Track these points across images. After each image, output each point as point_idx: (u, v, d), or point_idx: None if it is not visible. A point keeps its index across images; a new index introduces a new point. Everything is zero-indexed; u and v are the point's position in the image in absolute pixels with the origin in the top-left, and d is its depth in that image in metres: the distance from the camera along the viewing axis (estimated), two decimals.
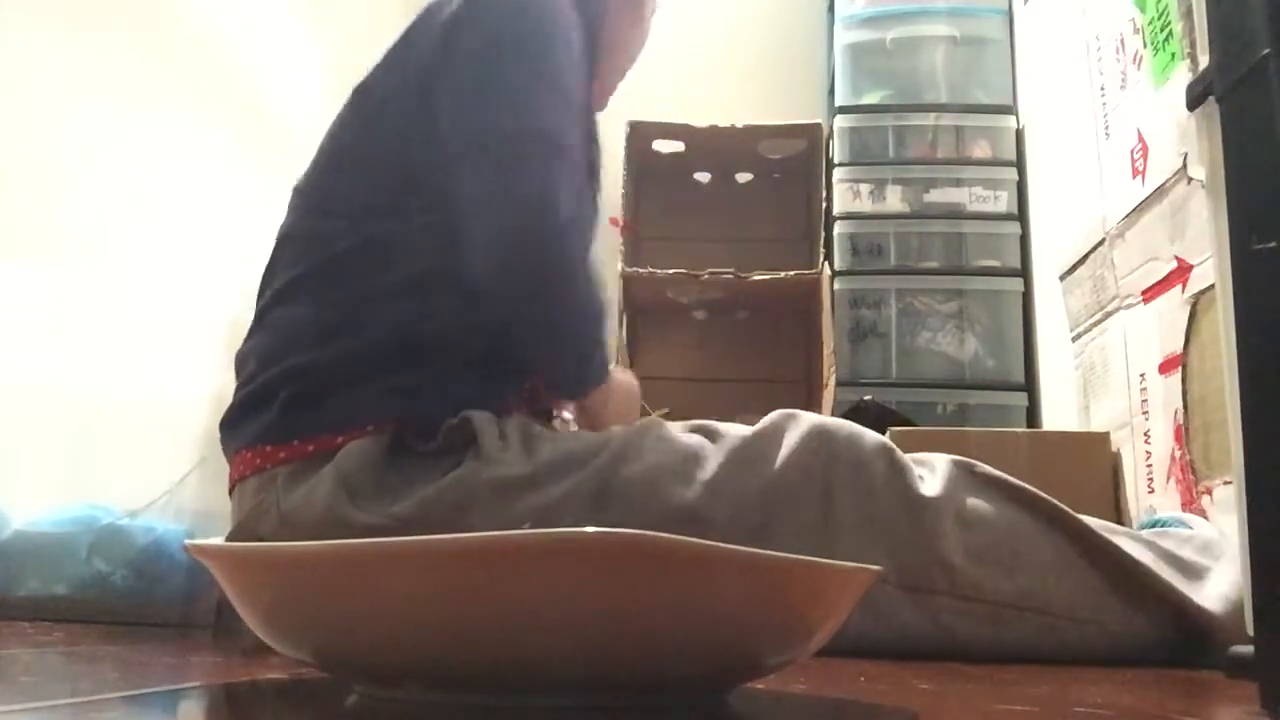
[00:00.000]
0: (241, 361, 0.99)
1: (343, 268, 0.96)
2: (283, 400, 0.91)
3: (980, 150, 2.17)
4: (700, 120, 2.33)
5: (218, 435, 0.99)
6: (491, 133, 0.93)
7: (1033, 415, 2.01)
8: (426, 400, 0.91)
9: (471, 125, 0.94)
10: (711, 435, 0.91)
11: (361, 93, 1.03)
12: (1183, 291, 1.31)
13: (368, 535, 0.62)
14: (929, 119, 2.20)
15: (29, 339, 1.41)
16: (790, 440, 0.88)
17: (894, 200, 2.16)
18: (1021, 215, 2.11)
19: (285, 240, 1.02)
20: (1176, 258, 1.33)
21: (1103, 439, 1.54)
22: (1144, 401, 1.44)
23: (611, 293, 2.24)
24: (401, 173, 0.97)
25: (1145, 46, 1.45)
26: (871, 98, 2.25)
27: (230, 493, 0.96)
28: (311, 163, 1.04)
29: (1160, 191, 1.38)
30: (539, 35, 0.97)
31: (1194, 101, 0.55)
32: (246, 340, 1.00)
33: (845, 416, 1.71)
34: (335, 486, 0.86)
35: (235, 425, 0.95)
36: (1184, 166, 1.30)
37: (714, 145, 2.40)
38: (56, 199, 1.49)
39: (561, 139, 0.94)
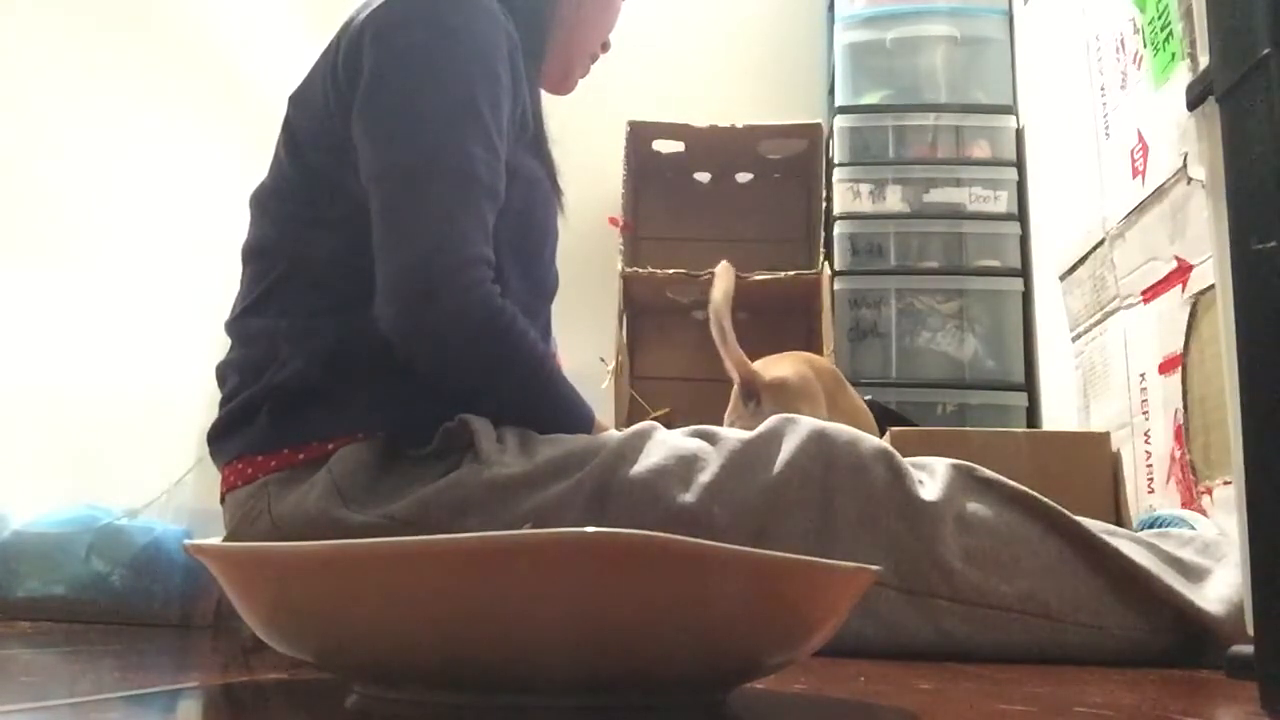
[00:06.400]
0: (222, 375, 0.97)
1: (316, 277, 0.93)
2: (269, 412, 0.90)
3: (980, 150, 2.17)
4: (700, 120, 2.33)
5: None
6: (390, 165, 0.88)
7: (1033, 415, 2.01)
8: (417, 409, 0.90)
9: (373, 156, 0.89)
10: (711, 439, 0.90)
11: (294, 104, 0.98)
12: (1183, 291, 1.31)
13: (363, 535, 0.62)
14: (929, 119, 2.20)
15: (29, 339, 1.41)
16: (789, 444, 0.88)
17: (894, 200, 2.16)
18: (1021, 215, 2.11)
19: (251, 252, 0.99)
20: (1176, 258, 1.33)
21: (1103, 439, 1.54)
22: (1144, 401, 1.44)
23: (612, 292, 2.23)
24: (342, 189, 0.93)
25: (1145, 46, 1.45)
26: (871, 98, 2.25)
27: (221, 502, 0.95)
28: (267, 173, 1.00)
29: (1160, 191, 1.38)
30: (448, 50, 0.90)
31: (1194, 101, 0.55)
32: (226, 353, 0.98)
33: None
34: (328, 489, 0.86)
35: (223, 438, 0.94)
36: (1184, 166, 1.30)
37: (714, 145, 2.40)
38: (57, 200, 1.49)
39: (469, 169, 0.88)
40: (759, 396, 1.31)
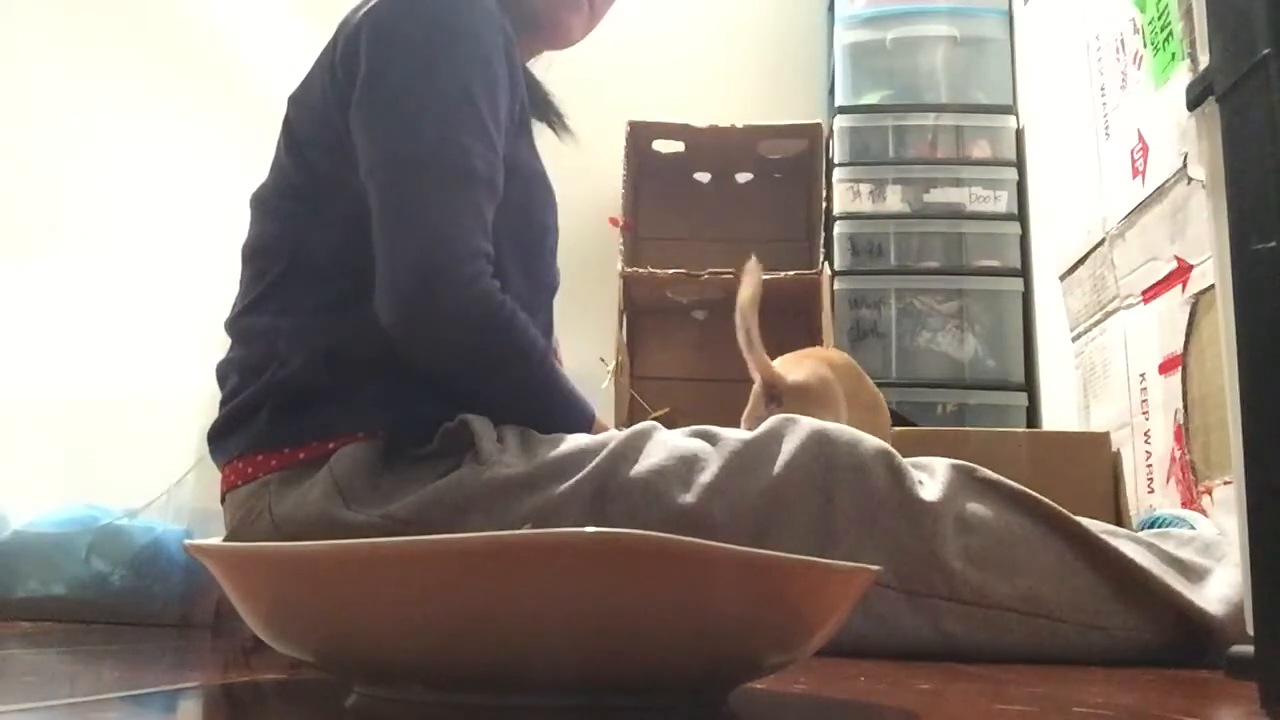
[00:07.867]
0: (222, 375, 0.97)
1: (316, 275, 0.93)
2: (270, 410, 0.90)
3: (980, 150, 2.18)
4: (700, 120, 2.33)
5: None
6: (387, 159, 0.88)
7: (1033, 415, 2.01)
8: (418, 408, 0.90)
9: (371, 150, 0.89)
10: (711, 439, 0.90)
11: (294, 103, 0.99)
12: (1183, 291, 1.31)
13: (363, 535, 0.62)
14: (929, 119, 2.20)
15: (30, 338, 1.41)
16: (790, 445, 0.88)
17: (894, 200, 2.16)
18: (1021, 215, 2.11)
19: (252, 251, 0.99)
20: (1176, 258, 1.33)
21: (1103, 439, 1.54)
22: (1144, 401, 1.44)
23: (612, 292, 2.23)
24: (342, 187, 0.93)
25: (1145, 46, 1.45)
26: (871, 98, 2.25)
27: (222, 502, 0.95)
28: (268, 173, 1.01)
29: (1160, 191, 1.38)
30: (445, 45, 0.90)
31: (1194, 101, 0.55)
32: (226, 353, 0.98)
33: None
34: (329, 489, 0.86)
35: (224, 437, 0.94)
36: (1184, 166, 1.30)
37: (714, 145, 2.40)
38: (57, 200, 1.49)
39: (466, 163, 0.88)
40: (781, 400, 1.31)
